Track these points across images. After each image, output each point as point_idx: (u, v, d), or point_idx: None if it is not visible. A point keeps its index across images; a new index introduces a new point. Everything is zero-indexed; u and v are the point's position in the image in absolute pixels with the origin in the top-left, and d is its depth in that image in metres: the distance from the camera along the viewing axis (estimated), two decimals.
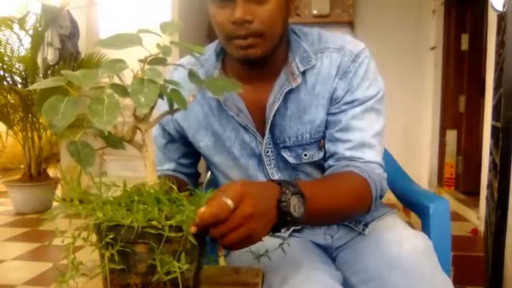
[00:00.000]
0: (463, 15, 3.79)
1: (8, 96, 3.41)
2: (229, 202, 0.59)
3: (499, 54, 1.54)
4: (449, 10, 3.91)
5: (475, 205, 3.15)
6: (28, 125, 3.50)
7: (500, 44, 1.50)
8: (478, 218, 2.95)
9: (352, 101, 0.88)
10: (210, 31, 6.00)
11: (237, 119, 0.90)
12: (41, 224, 2.20)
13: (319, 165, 0.94)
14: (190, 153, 1.02)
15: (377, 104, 0.89)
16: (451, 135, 3.94)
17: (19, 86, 3.46)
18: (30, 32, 3.46)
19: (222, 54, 0.93)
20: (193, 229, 0.57)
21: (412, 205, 1.12)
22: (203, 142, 0.96)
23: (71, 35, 3.58)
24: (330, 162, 0.90)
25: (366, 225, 0.93)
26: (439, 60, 3.99)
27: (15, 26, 3.41)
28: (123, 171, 3.93)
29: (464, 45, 3.80)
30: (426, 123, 4.04)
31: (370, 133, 0.88)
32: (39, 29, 3.43)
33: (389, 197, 1.10)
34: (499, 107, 1.43)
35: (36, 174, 3.53)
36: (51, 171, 3.77)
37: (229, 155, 0.94)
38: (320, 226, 0.95)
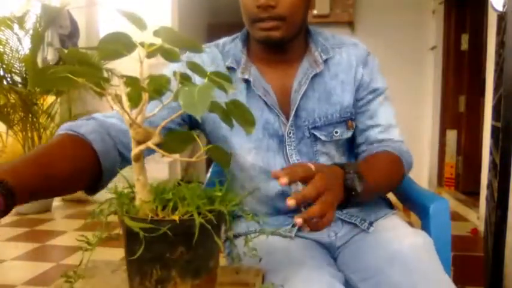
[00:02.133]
0: (463, 15, 3.80)
1: (8, 96, 3.41)
2: (312, 167, 0.72)
3: (499, 54, 1.54)
4: (449, 10, 3.91)
5: (475, 205, 3.15)
6: (28, 125, 3.50)
7: (500, 44, 1.50)
8: (478, 218, 2.96)
9: (375, 90, 1.02)
10: (209, 31, 6.01)
11: (264, 99, 0.96)
12: (42, 224, 2.19)
13: (342, 146, 1.02)
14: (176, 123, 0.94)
15: (387, 94, 1.05)
16: (451, 135, 3.94)
17: (19, 86, 3.46)
18: (30, 31, 3.46)
19: (247, 41, 1.01)
20: (292, 202, 0.65)
21: (412, 205, 1.12)
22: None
23: (71, 35, 3.58)
24: (363, 147, 1.02)
25: (370, 223, 0.95)
26: (439, 60, 3.99)
27: (15, 26, 3.42)
28: (122, 171, 3.93)
29: (464, 45, 3.80)
30: (426, 123, 4.04)
31: (391, 116, 1.03)
32: (39, 28, 3.43)
33: (389, 197, 1.11)
34: (499, 107, 1.43)
35: None
36: None
37: (251, 136, 0.96)
38: (370, 200, 1.00)
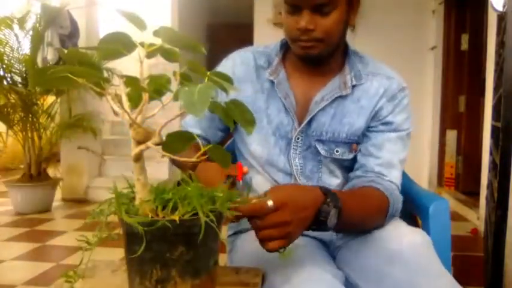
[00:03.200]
0: (463, 15, 3.80)
1: (8, 96, 3.41)
2: (270, 203, 0.70)
3: (499, 54, 1.54)
4: (449, 10, 3.91)
5: (475, 205, 3.15)
6: (28, 125, 3.50)
7: (500, 44, 1.50)
8: (478, 218, 2.96)
9: (390, 124, 1.01)
10: (209, 31, 6.01)
11: (283, 101, 1.01)
12: (42, 224, 2.20)
13: (344, 166, 1.03)
14: (221, 130, 1.11)
15: (407, 137, 1.03)
16: (451, 135, 3.94)
17: (19, 86, 3.46)
18: (30, 32, 3.46)
19: (285, 47, 1.07)
20: (230, 215, 0.63)
21: (412, 205, 1.12)
22: None
23: (71, 35, 3.58)
24: (358, 173, 1.00)
25: None
26: (439, 60, 3.99)
27: (15, 26, 3.42)
28: (123, 171, 3.93)
29: (464, 45, 3.80)
30: (426, 123, 4.04)
31: (397, 157, 1.00)
32: (39, 28, 3.43)
33: None
34: (499, 107, 1.43)
35: (36, 174, 3.53)
36: (51, 171, 3.77)
37: (262, 130, 1.03)
38: (340, 232, 0.99)
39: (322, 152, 1.01)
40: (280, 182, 1.03)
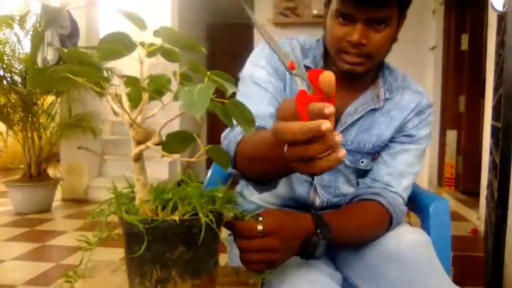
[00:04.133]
0: (463, 15, 3.80)
1: (8, 96, 3.41)
2: (260, 228, 0.69)
3: (499, 54, 1.54)
4: (449, 10, 3.91)
5: (475, 205, 3.15)
6: (28, 125, 3.50)
7: (500, 44, 1.50)
8: (478, 218, 2.96)
9: (412, 137, 1.00)
10: (209, 31, 6.01)
11: None
12: (42, 224, 2.20)
13: (360, 174, 1.02)
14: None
15: (423, 152, 1.02)
16: (451, 135, 3.94)
17: (19, 86, 3.46)
18: (30, 32, 3.46)
19: (327, 52, 0.99)
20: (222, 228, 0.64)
21: (412, 205, 1.12)
22: None
23: (71, 35, 3.58)
24: (367, 180, 0.99)
25: None
26: (439, 60, 3.99)
27: (15, 26, 3.42)
28: (123, 171, 3.94)
29: (464, 45, 3.80)
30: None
31: (410, 169, 0.99)
32: (39, 28, 3.43)
33: None
34: (499, 107, 1.43)
35: (36, 174, 3.53)
36: (51, 171, 3.77)
37: None
38: None
39: (347, 162, 0.99)
40: (298, 191, 1.00)
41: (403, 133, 1.00)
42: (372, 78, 1.01)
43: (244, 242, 0.69)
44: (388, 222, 0.91)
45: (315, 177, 0.99)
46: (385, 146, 1.00)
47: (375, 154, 1.00)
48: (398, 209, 0.93)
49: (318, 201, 1.00)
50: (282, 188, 1.01)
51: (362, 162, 1.00)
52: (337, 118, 0.97)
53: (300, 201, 1.01)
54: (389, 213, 0.91)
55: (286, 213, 0.77)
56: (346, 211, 0.94)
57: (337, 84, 0.97)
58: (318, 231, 0.75)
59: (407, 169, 0.98)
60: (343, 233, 0.81)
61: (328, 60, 0.99)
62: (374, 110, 0.99)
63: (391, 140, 1.00)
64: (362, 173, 1.01)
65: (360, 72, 0.93)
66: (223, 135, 0.94)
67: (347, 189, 1.02)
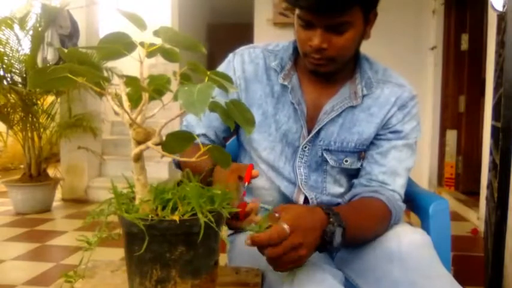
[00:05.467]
0: (463, 15, 3.79)
1: (8, 96, 3.41)
2: (286, 227, 0.70)
3: (499, 54, 1.54)
4: (449, 10, 3.91)
5: (475, 205, 3.15)
6: (28, 125, 3.50)
7: (500, 44, 1.50)
8: (478, 218, 2.95)
9: (399, 132, 0.99)
10: (209, 31, 6.01)
11: (297, 107, 0.98)
12: (42, 224, 2.20)
13: (351, 174, 1.02)
14: (224, 129, 1.06)
15: (414, 146, 1.01)
16: (451, 135, 3.94)
17: (19, 86, 3.46)
18: (30, 32, 3.46)
19: (297, 51, 1.01)
20: (248, 242, 0.69)
21: (412, 205, 1.12)
22: None
23: (71, 35, 3.58)
24: (362, 180, 0.99)
25: None
26: (439, 60, 3.99)
27: (16, 26, 3.42)
28: (123, 171, 3.94)
29: (464, 45, 3.80)
30: (426, 123, 4.03)
31: (403, 165, 0.98)
32: (39, 28, 3.43)
33: None
34: (499, 107, 1.43)
35: (36, 174, 3.53)
36: (51, 171, 3.77)
37: (270, 137, 1.00)
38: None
39: (331, 162, 0.99)
40: (282, 190, 1.01)
41: (388, 129, 0.99)
42: (349, 73, 1.00)
43: (274, 249, 0.69)
44: (388, 220, 0.91)
45: (299, 178, 1.00)
46: (371, 144, 0.99)
47: (360, 153, 0.99)
48: (398, 205, 0.94)
49: (301, 200, 1.00)
50: (264, 181, 1.03)
51: (346, 161, 0.99)
52: (315, 116, 0.99)
53: (286, 200, 1.02)
54: (389, 210, 0.91)
55: (301, 207, 0.79)
56: (352, 205, 0.95)
57: (313, 81, 1.00)
58: (331, 219, 0.76)
59: (399, 166, 0.98)
60: (353, 225, 0.81)
61: (298, 59, 1.01)
62: (353, 107, 0.98)
63: (378, 137, 0.99)
64: (351, 173, 1.01)
65: (326, 72, 0.94)
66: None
67: (334, 189, 1.02)
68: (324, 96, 0.99)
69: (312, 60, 0.93)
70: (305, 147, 0.99)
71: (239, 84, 1.02)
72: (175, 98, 0.53)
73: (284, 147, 1.00)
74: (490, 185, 1.61)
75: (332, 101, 0.98)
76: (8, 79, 3.47)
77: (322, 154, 0.99)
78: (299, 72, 1.01)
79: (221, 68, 1.06)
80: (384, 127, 0.99)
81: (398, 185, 0.97)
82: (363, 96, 0.98)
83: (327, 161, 0.99)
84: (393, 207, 0.92)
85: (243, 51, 1.06)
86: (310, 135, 0.98)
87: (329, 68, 0.93)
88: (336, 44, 0.88)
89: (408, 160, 0.99)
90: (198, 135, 1.03)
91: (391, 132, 0.99)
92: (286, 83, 0.98)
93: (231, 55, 1.06)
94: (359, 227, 0.85)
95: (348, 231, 0.78)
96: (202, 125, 1.05)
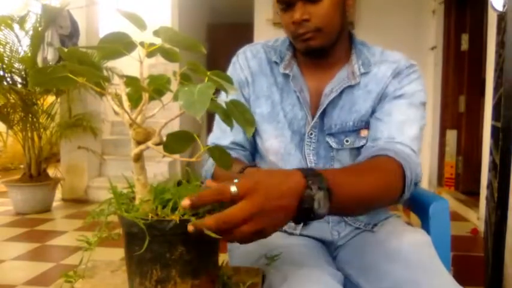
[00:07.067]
0: (463, 15, 3.80)
1: (8, 96, 3.41)
2: (233, 189, 0.57)
3: (499, 54, 1.54)
4: (449, 10, 3.91)
5: (475, 205, 3.15)
6: (28, 125, 3.50)
7: (500, 44, 1.51)
8: (478, 218, 2.96)
9: (399, 96, 0.96)
10: (209, 31, 6.01)
11: (298, 95, 0.99)
12: (42, 224, 2.20)
13: (357, 155, 0.98)
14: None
15: (421, 106, 0.97)
16: (451, 135, 3.94)
17: (19, 86, 3.46)
18: (30, 32, 3.46)
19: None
20: (186, 203, 0.55)
21: (412, 205, 1.12)
22: (260, 108, 1.03)
23: (71, 35, 3.58)
24: (368, 144, 0.95)
25: (375, 224, 0.98)
26: (439, 60, 3.99)
27: (15, 26, 3.42)
28: (123, 171, 3.94)
29: (464, 45, 3.80)
30: (426, 123, 4.03)
31: (412, 118, 0.94)
32: (39, 28, 3.43)
33: None
34: (499, 107, 1.43)
35: (36, 174, 3.53)
36: (51, 171, 3.77)
37: (278, 125, 1.01)
38: (347, 216, 0.97)
39: (333, 144, 0.98)
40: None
41: (390, 97, 0.96)
42: (346, 56, 1.01)
43: (223, 216, 0.56)
44: (399, 174, 0.81)
45: (308, 157, 0.99)
46: (372, 113, 0.97)
47: (359, 130, 0.98)
48: (410, 159, 0.85)
49: None
50: (281, 149, 1.02)
51: (347, 141, 0.98)
52: (318, 101, 1.00)
53: None
54: (398, 163, 0.82)
55: (267, 171, 0.68)
56: (344, 168, 0.88)
57: (313, 68, 1.02)
58: (310, 182, 0.62)
59: (407, 118, 0.93)
60: (344, 185, 0.69)
61: (296, 50, 1.04)
62: (352, 87, 0.98)
63: (379, 104, 0.97)
64: (358, 154, 0.98)
65: (317, 46, 0.95)
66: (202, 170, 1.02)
67: None
68: (323, 81, 1.00)
69: (300, 38, 0.94)
70: (311, 134, 1.00)
71: (247, 80, 1.04)
72: (175, 98, 0.53)
73: (292, 134, 1.01)
74: (490, 185, 1.61)
75: (331, 84, 0.99)
76: (8, 79, 3.47)
77: (326, 140, 0.99)
78: (298, 61, 1.03)
79: (229, 72, 1.07)
80: (382, 98, 0.97)
81: (407, 136, 0.90)
82: (361, 75, 0.98)
83: (332, 146, 0.99)
84: (404, 160, 0.82)
85: (244, 49, 1.08)
86: (314, 120, 0.99)
87: (319, 41, 0.94)
88: (316, 13, 0.91)
89: (416, 114, 0.94)
90: (227, 147, 1.01)
91: (391, 98, 0.96)
92: (287, 72, 1.01)
93: (234, 57, 1.09)
94: (353, 186, 0.72)
95: (335, 193, 0.65)
96: (223, 135, 1.03)
